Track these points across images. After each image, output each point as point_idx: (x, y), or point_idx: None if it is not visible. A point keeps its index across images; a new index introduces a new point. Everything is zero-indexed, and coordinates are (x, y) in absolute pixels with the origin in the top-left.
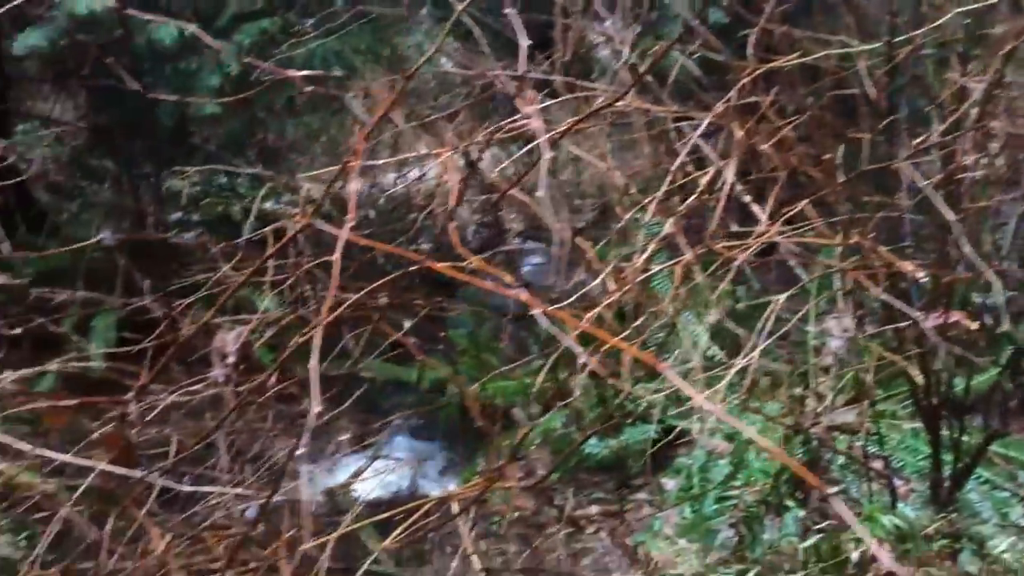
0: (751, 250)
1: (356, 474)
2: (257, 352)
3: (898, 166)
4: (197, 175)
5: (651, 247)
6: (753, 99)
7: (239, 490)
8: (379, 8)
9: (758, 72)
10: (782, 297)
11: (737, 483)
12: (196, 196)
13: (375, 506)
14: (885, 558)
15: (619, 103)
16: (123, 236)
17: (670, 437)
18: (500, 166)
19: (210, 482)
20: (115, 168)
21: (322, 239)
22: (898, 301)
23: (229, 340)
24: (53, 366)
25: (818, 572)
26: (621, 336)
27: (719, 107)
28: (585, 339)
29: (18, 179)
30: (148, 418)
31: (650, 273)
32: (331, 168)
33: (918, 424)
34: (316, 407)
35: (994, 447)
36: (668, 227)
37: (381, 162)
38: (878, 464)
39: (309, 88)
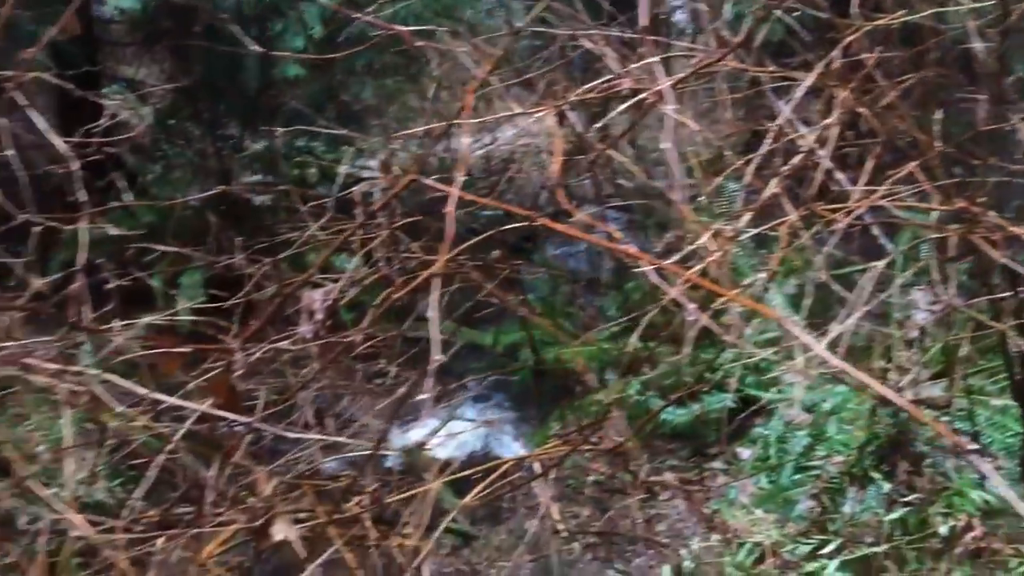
0: (854, 212)
1: (431, 434)
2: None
3: (1016, 127)
4: (275, 137)
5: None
6: (856, 58)
7: (344, 439)
8: None
9: (863, 30)
10: (880, 264)
11: (817, 455)
12: (274, 158)
13: (448, 466)
14: None
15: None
16: (210, 194)
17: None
18: (596, 124)
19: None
20: (199, 130)
21: (407, 200)
22: (1020, 266)
23: (317, 298)
24: (146, 320)
25: (904, 545)
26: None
27: (820, 67)
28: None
29: (127, 136)
30: (241, 371)
31: (751, 233)
32: (432, 125)
33: (1007, 400)
34: (437, 355)
35: None
36: (772, 187)
37: (490, 117)
38: (967, 440)
39: (419, 43)
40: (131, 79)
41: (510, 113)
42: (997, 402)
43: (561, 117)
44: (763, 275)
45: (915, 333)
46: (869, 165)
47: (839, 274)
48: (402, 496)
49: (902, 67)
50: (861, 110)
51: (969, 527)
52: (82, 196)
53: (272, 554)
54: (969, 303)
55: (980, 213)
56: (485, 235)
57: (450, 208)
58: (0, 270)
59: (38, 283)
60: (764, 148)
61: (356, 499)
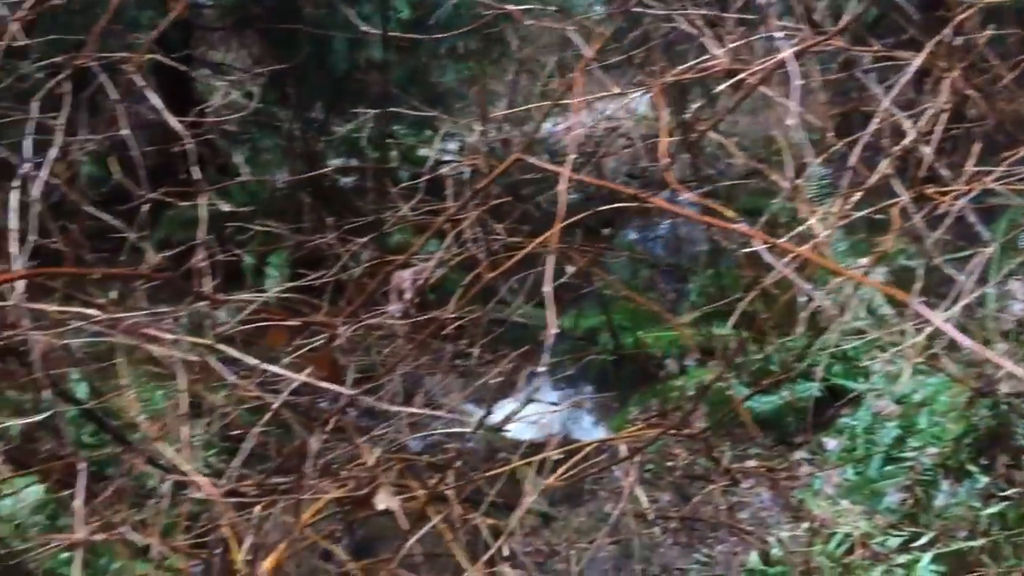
0: (968, 195)
1: (511, 416)
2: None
3: None
4: (363, 120)
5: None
6: (967, 36)
7: (447, 413)
8: None
9: (976, 7)
10: (988, 251)
11: (907, 447)
12: (359, 141)
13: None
14: None
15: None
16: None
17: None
18: (695, 105)
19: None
20: (286, 113)
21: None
22: None
23: (406, 277)
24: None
25: (1003, 540)
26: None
27: (930, 46)
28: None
29: (238, 115)
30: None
31: (857, 215)
32: (536, 104)
33: None
34: (552, 328)
35: None
36: (882, 167)
37: (592, 97)
38: None
39: (529, 22)
40: (221, 64)
41: (610, 93)
42: None
43: (663, 96)
44: (866, 259)
45: (1011, 324)
46: (976, 148)
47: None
48: (487, 475)
49: (1017, 47)
50: (969, 92)
51: None
52: (196, 174)
53: (360, 526)
54: None
55: None
56: (584, 214)
57: (562, 187)
58: (113, 245)
59: (157, 257)
60: (870, 129)
61: (442, 476)
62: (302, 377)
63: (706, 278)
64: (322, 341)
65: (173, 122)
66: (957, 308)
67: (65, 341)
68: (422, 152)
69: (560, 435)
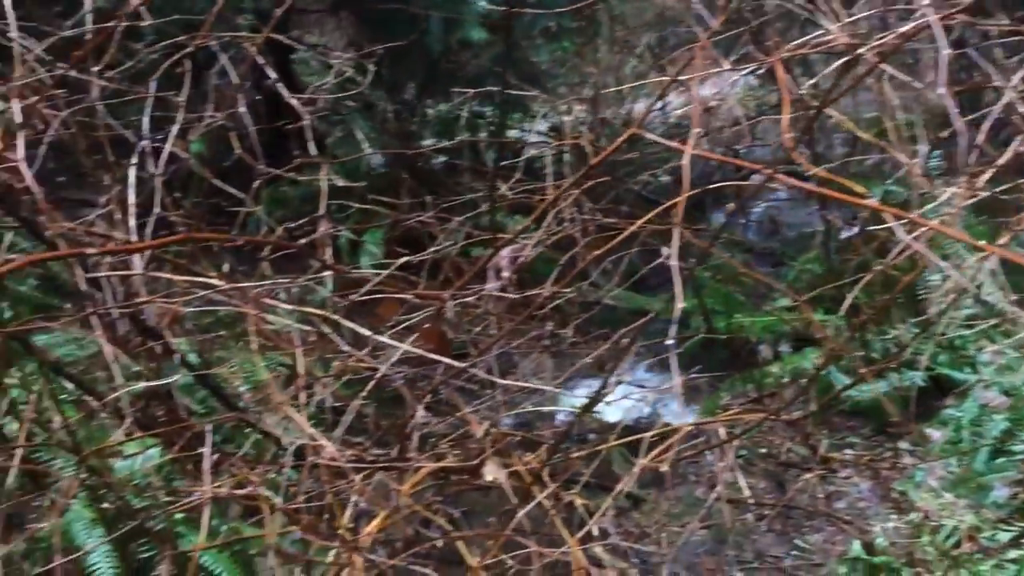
0: None
1: (600, 397)
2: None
3: None
4: (462, 99)
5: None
6: None
7: (554, 389)
8: None
9: None
10: None
11: (1017, 440)
12: (450, 121)
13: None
14: None
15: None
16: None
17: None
18: (809, 82)
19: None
20: (379, 94)
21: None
22: None
23: (505, 255)
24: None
25: None
26: None
27: None
28: None
29: (349, 94)
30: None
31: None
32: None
33: None
34: (679, 304)
35: None
36: (1015, 147)
37: (708, 72)
38: None
39: None
40: (315, 45)
41: (723, 69)
42: None
43: (783, 70)
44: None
45: None
46: None
47: None
48: (584, 454)
49: None
50: None
51: None
52: (312, 149)
53: (456, 498)
54: None
55: None
56: (698, 190)
57: (685, 163)
58: (224, 221)
59: (279, 229)
60: (999, 106)
61: (534, 455)
62: (406, 346)
63: (804, 262)
64: (429, 314)
65: (290, 99)
66: None
67: (187, 310)
68: (513, 133)
69: (649, 417)
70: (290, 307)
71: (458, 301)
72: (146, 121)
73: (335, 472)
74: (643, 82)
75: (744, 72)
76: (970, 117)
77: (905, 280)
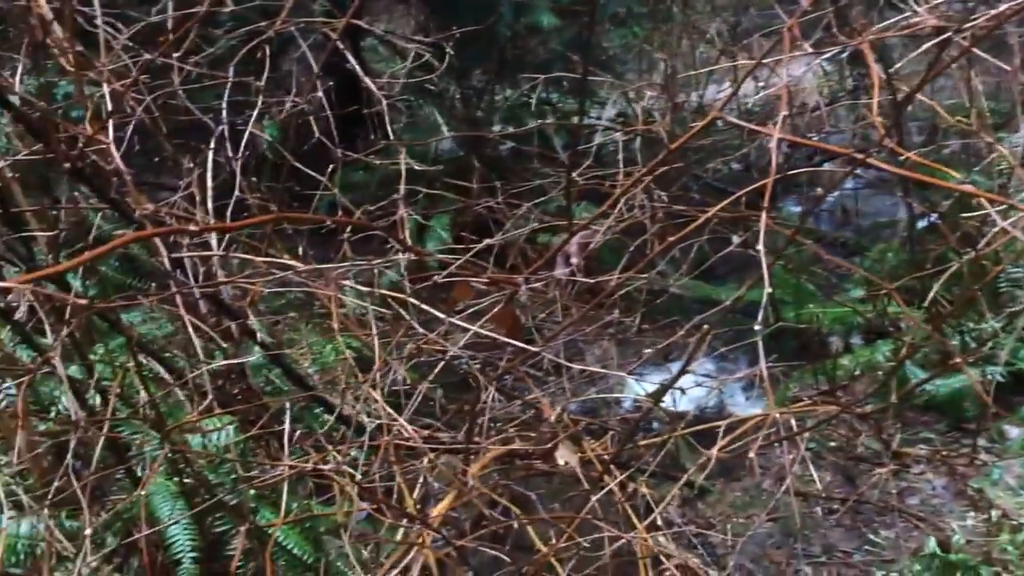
0: None
1: (671, 385)
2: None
3: None
4: (513, 88)
5: None
6: None
7: (627, 375)
8: None
9: None
10: None
11: None
12: (516, 108)
13: (680, 419)
14: None
15: None
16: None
17: None
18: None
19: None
20: (447, 80)
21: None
22: None
23: (574, 241)
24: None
25: None
26: None
27: None
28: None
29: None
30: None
31: None
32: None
33: None
34: (768, 288)
35: None
36: None
37: (788, 55)
38: None
39: None
40: (384, 32)
41: (808, 52)
42: None
43: (872, 52)
44: None
45: None
46: None
47: None
48: (652, 442)
49: None
50: None
51: None
52: (390, 134)
53: (522, 484)
54: None
55: None
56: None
57: (773, 145)
58: (295, 204)
59: (357, 212)
60: None
61: (600, 442)
62: (479, 328)
63: (879, 252)
64: (502, 299)
65: (368, 83)
66: None
67: (265, 291)
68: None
69: (714, 408)
70: (367, 289)
71: (536, 283)
72: (225, 106)
73: (405, 452)
74: (718, 66)
75: (827, 55)
76: None
77: (994, 271)
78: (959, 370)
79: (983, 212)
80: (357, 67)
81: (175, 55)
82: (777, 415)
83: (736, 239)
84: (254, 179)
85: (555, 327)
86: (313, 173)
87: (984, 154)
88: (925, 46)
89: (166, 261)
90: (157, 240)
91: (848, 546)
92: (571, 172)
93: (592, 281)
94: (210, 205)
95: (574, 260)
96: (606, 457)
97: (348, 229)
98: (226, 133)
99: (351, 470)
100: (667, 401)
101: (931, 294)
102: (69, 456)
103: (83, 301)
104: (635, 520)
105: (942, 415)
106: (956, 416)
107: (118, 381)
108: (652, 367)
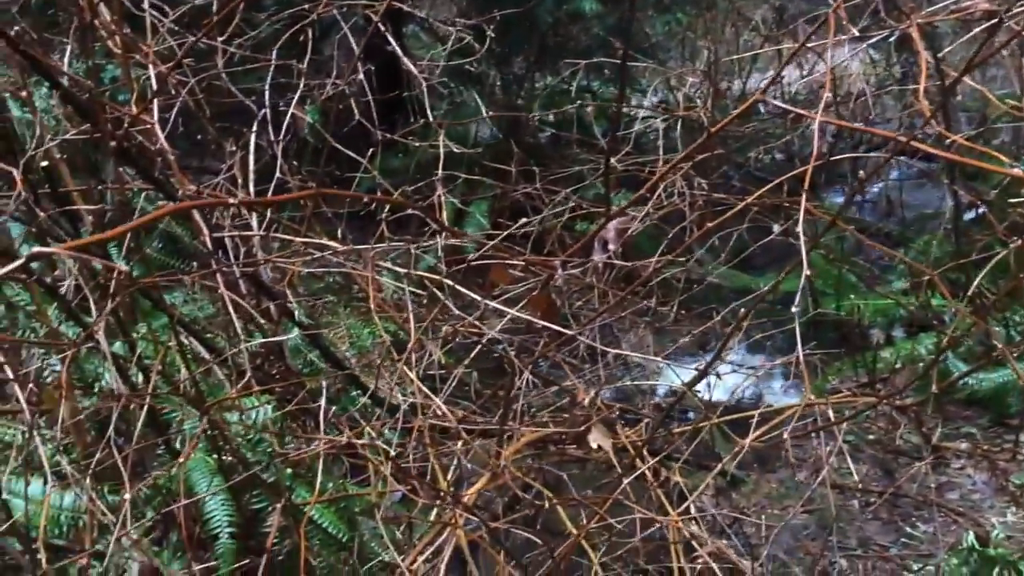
0: None
1: (707, 373)
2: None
3: None
4: (553, 75)
5: None
6: None
7: (661, 360)
8: None
9: None
10: None
11: None
12: (556, 95)
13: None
14: None
15: None
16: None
17: None
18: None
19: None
20: (487, 67)
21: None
22: None
23: (611, 228)
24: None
25: None
26: None
27: None
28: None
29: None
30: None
31: None
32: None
33: None
34: (806, 271)
35: None
36: None
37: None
38: None
39: None
40: (425, 18)
41: (854, 35)
42: None
43: (921, 36)
44: None
45: None
46: None
47: None
48: (686, 430)
49: None
50: None
51: None
52: (429, 116)
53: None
54: None
55: None
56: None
57: (815, 128)
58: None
59: (396, 193)
60: None
61: (634, 429)
62: (516, 312)
63: (924, 243)
64: (540, 282)
65: (410, 67)
66: None
67: (303, 271)
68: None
69: (750, 398)
70: (404, 271)
71: (572, 268)
72: (267, 89)
73: (440, 434)
74: (761, 51)
75: (873, 40)
76: None
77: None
78: (1003, 363)
79: None
80: (398, 49)
81: (219, 38)
82: (815, 406)
83: (777, 228)
84: (295, 162)
85: (591, 313)
86: (354, 154)
87: None
88: (975, 31)
89: (208, 240)
90: (199, 220)
91: (884, 539)
92: (609, 159)
93: (628, 268)
94: (251, 187)
95: (612, 246)
96: (639, 443)
97: (386, 209)
98: (268, 116)
99: (385, 447)
100: (702, 390)
101: (974, 283)
102: (111, 430)
103: (126, 271)
104: (668, 506)
105: (984, 410)
106: (999, 411)
107: (160, 358)
108: (688, 356)
